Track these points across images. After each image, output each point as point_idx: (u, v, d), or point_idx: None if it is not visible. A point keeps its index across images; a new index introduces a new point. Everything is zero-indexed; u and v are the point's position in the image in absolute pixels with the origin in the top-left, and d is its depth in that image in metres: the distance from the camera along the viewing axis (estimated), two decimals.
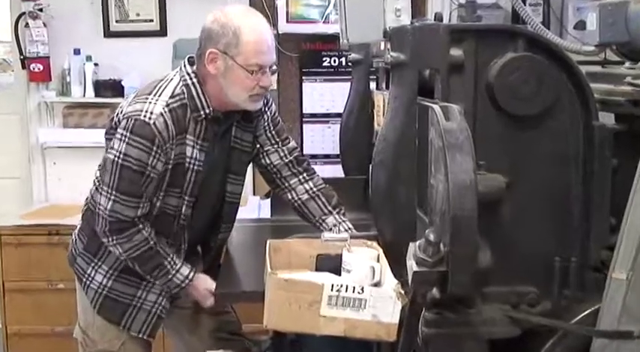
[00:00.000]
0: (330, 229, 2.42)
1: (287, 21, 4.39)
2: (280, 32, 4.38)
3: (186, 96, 2.20)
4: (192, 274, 2.29)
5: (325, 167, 4.46)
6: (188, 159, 2.21)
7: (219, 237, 2.46)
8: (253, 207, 3.89)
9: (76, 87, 4.23)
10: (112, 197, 2.15)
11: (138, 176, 2.14)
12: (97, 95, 4.21)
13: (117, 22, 4.29)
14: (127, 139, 2.13)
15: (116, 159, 2.14)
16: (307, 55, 4.43)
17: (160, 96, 2.19)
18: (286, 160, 2.52)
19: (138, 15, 4.28)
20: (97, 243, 2.30)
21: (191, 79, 2.22)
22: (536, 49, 1.65)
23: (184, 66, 2.26)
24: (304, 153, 4.53)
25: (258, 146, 2.48)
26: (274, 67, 2.23)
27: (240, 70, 2.16)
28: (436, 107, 1.51)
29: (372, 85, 3.16)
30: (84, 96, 4.23)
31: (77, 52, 4.21)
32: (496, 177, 1.60)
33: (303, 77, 4.46)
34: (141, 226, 2.20)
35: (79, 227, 2.46)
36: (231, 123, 2.34)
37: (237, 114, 2.33)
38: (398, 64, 1.72)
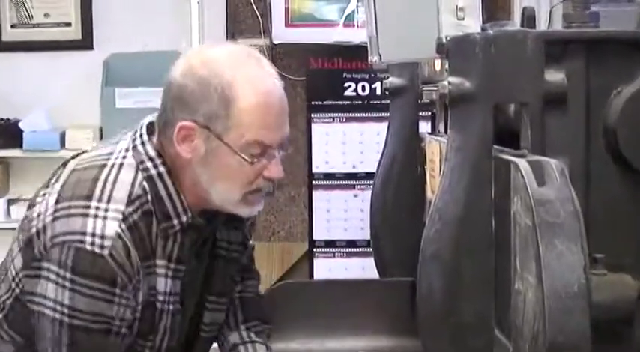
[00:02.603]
0: None
1: (287, 24, 4.48)
2: (275, 42, 4.46)
3: (149, 198, 2.17)
4: None
5: (350, 261, 4.48)
6: (161, 298, 2.21)
7: None
8: None
9: None
10: None
11: (99, 337, 2.13)
12: None
13: (14, 27, 4.39)
14: (68, 283, 2.10)
15: (58, 316, 2.12)
16: (319, 78, 4.50)
17: (109, 203, 2.15)
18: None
19: (47, 16, 4.37)
20: None
21: (156, 166, 2.19)
22: None
23: (142, 143, 2.22)
24: (314, 238, 4.60)
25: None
26: (286, 146, 2.21)
27: (231, 156, 2.13)
28: (522, 163, 1.53)
29: (424, 127, 3.20)
30: None
31: None
32: (623, 279, 1.60)
33: (313, 114, 4.52)
34: None
35: None
36: (214, 228, 2.35)
37: (223, 214, 2.33)
38: (461, 97, 1.75)
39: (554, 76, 1.67)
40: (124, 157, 2.21)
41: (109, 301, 2.10)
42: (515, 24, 1.82)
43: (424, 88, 2.93)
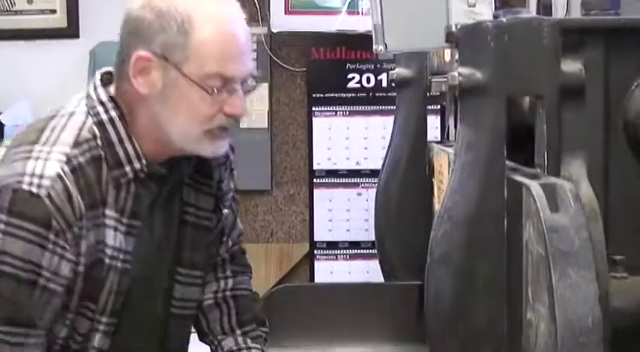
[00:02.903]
0: None
1: (286, 11, 4.48)
2: (274, 30, 4.46)
3: (99, 142, 2.18)
4: None
5: (353, 264, 4.49)
6: (109, 252, 2.19)
7: None
8: None
9: None
10: None
11: (24, 289, 2.10)
12: None
13: None
14: (2, 226, 2.09)
15: None
16: (321, 69, 4.50)
17: (53, 145, 2.17)
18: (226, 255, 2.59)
19: (30, 2, 4.38)
20: None
21: (107, 111, 2.21)
22: None
23: (94, 88, 2.25)
24: (315, 239, 4.60)
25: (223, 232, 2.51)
26: (251, 83, 2.23)
27: (191, 88, 2.13)
28: (535, 187, 1.53)
29: (432, 121, 3.20)
30: None
31: None
32: None
33: (314, 108, 4.53)
34: None
35: None
36: (178, 181, 2.34)
37: (187, 164, 2.33)
38: (472, 89, 1.75)
39: (572, 67, 1.67)
40: (76, 107, 2.23)
41: (41, 246, 2.07)
42: (531, 11, 1.81)
43: (433, 80, 2.93)
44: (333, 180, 4.54)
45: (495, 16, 1.94)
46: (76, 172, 2.12)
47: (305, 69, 4.53)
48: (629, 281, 1.58)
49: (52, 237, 2.08)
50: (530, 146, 1.74)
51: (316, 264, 4.60)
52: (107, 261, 2.18)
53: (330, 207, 4.55)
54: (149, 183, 2.21)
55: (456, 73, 1.77)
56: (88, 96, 2.22)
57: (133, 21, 2.17)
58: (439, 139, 3.14)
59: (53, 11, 4.34)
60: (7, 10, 4.33)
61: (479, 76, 1.73)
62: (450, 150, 2.43)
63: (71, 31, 4.31)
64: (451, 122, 2.70)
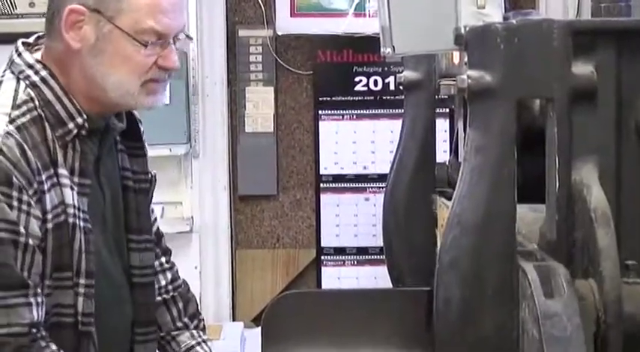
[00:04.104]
0: None
1: (292, 14, 4.49)
2: (280, 33, 4.47)
3: (37, 103, 2.18)
4: None
5: (361, 269, 4.49)
6: (71, 211, 2.19)
7: None
8: (232, 341, 3.90)
9: None
10: None
11: (7, 249, 2.09)
12: None
13: None
14: None
15: None
16: (327, 72, 4.51)
17: None
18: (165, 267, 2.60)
19: (32, 5, 4.38)
20: None
21: (37, 72, 2.21)
22: None
23: (18, 54, 2.25)
24: (322, 245, 4.61)
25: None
26: (183, 38, 2.26)
27: (124, 41, 2.16)
28: (530, 270, 1.54)
29: (440, 125, 3.20)
30: None
31: None
32: None
33: (321, 111, 4.53)
34: (53, 348, 2.14)
35: None
36: (114, 138, 2.35)
37: (118, 120, 2.33)
38: (481, 91, 1.75)
39: (583, 70, 1.67)
40: (2, 76, 2.23)
41: (8, 205, 2.08)
42: (541, 13, 1.82)
43: (441, 83, 2.93)
44: (340, 185, 4.54)
45: (505, 18, 1.95)
46: (22, 132, 2.13)
47: (311, 72, 4.53)
48: (638, 286, 1.59)
49: (15, 194, 2.08)
50: (542, 149, 1.74)
51: (323, 269, 4.61)
52: (71, 219, 2.18)
53: (337, 212, 4.55)
54: (90, 140, 2.22)
55: (465, 76, 1.78)
56: (12, 63, 2.23)
57: None
58: (448, 143, 3.14)
59: None
60: (9, 14, 4.34)
61: (488, 79, 1.73)
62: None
63: None
64: (460, 125, 2.70)
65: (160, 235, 2.62)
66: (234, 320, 4.38)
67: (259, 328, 3.04)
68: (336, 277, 4.57)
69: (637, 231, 1.64)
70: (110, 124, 2.29)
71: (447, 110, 3.16)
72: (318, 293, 4.05)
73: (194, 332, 2.55)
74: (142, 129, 2.44)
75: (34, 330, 2.11)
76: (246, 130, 4.53)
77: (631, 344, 1.39)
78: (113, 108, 2.25)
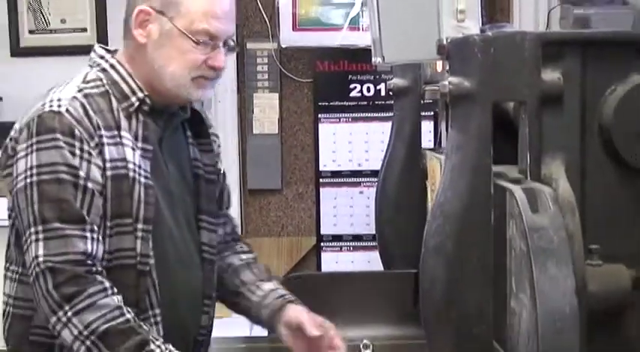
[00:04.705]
0: (266, 295, 2.51)
1: (294, 28, 4.48)
2: (283, 45, 4.46)
3: (105, 82, 2.30)
4: None
5: (356, 255, 4.48)
6: (131, 166, 2.25)
7: (202, 324, 2.45)
8: (243, 318, 3.88)
9: None
10: (41, 235, 2.14)
11: (67, 188, 2.16)
12: None
13: (31, 33, 4.39)
14: (34, 146, 2.18)
15: (28, 180, 2.17)
16: (325, 79, 4.49)
17: (66, 85, 2.29)
18: (228, 229, 2.66)
19: (63, 22, 4.38)
20: None
21: (107, 61, 2.35)
22: None
23: (94, 50, 2.40)
24: (322, 233, 4.60)
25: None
26: (231, 44, 2.35)
27: (181, 38, 2.27)
28: (517, 191, 1.52)
29: (426, 126, 3.19)
30: None
31: None
32: (617, 269, 1.59)
33: (320, 115, 4.52)
34: (107, 285, 2.15)
35: None
36: (177, 125, 2.43)
37: (182, 110, 2.42)
38: (461, 96, 1.74)
39: (551, 76, 1.67)
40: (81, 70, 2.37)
41: (71, 153, 2.17)
42: (514, 26, 1.81)
43: (426, 88, 2.93)
44: (337, 180, 4.53)
45: (482, 31, 1.94)
46: (88, 98, 2.26)
47: (311, 80, 4.52)
48: (602, 268, 1.58)
49: (77, 144, 2.18)
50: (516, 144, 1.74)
51: (323, 255, 4.60)
52: (130, 173, 2.25)
53: (334, 204, 4.54)
54: (153, 116, 2.32)
55: (446, 82, 1.77)
56: (90, 59, 2.39)
57: None
58: (432, 143, 3.14)
59: (84, 30, 4.34)
60: (44, 29, 4.33)
61: (467, 85, 1.72)
62: (441, 156, 2.43)
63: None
64: (443, 127, 2.69)
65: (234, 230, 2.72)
66: None
67: None
68: (334, 261, 4.56)
69: (599, 219, 1.64)
70: (174, 111, 2.39)
71: (432, 113, 3.15)
72: (318, 275, 4.05)
73: (276, 283, 2.60)
74: (208, 128, 2.54)
75: (89, 262, 2.15)
76: (254, 132, 4.52)
77: (594, 319, 1.39)
78: (170, 97, 2.33)
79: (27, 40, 4.36)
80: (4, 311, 2.37)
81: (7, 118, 4.33)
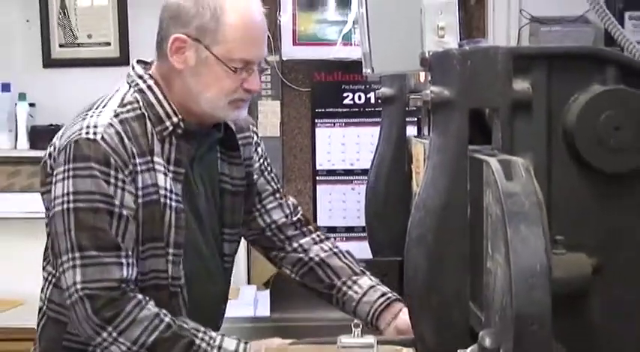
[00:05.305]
0: (365, 293, 2.44)
1: (294, 43, 4.48)
2: (285, 58, 4.46)
3: (141, 104, 2.18)
4: (241, 346, 2.18)
5: (348, 244, 4.44)
6: (163, 192, 2.15)
7: (219, 325, 2.40)
8: (247, 300, 3.88)
9: (4, 136, 4.30)
10: (78, 261, 2.05)
11: (102, 216, 2.06)
12: (32, 147, 4.28)
13: (61, 46, 4.39)
14: (71, 173, 2.06)
15: (65, 205, 2.06)
16: (322, 88, 4.50)
17: (103, 107, 2.17)
18: (293, 219, 2.53)
19: (90, 37, 4.38)
20: None
21: (145, 81, 2.20)
22: (633, 81, 1.66)
23: (132, 68, 2.26)
24: (318, 224, 4.59)
25: (255, 194, 2.47)
26: (263, 65, 2.23)
27: (218, 66, 2.14)
28: (493, 161, 1.52)
29: (410, 130, 3.19)
30: (15, 148, 4.30)
31: (6, 88, 4.30)
32: (579, 258, 1.59)
33: (317, 119, 4.52)
34: (140, 297, 2.09)
35: None
36: (210, 143, 2.31)
37: (216, 129, 2.30)
38: (441, 103, 1.74)
39: (521, 86, 1.66)
40: (119, 87, 2.25)
41: (106, 181, 2.06)
42: (489, 41, 1.81)
43: (411, 97, 2.92)
44: (332, 178, 4.54)
45: (460, 46, 1.94)
46: (124, 124, 2.13)
47: (309, 89, 4.53)
48: (566, 256, 1.58)
49: (112, 172, 2.07)
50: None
51: None
52: (162, 200, 2.15)
53: (329, 199, 4.55)
54: (187, 139, 2.19)
55: (428, 91, 1.77)
56: (128, 75, 2.25)
57: (172, 8, 2.16)
58: None
59: (108, 43, 4.35)
60: (72, 43, 4.34)
61: (447, 93, 1.72)
62: (425, 141, 2.42)
63: (122, 59, 4.32)
64: (425, 131, 2.69)
65: (300, 221, 2.62)
66: (249, 283, 4.37)
67: (268, 290, 3.04)
68: None
69: (563, 213, 1.64)
70: (209, 131, 2.26)
71: (416, 119, 3.14)
72: None
73: (372, 277, 2.57)
74: (239, 141, 2.39)
75: (124, 285, 2.07)
76: (259, 135, 4.52)
77: (557, 302, 1.38)
78: (205, 118, 2.22)
79: (57, 52, 4.37)
80: (40, 308, 2.30)
81: (39, 122, 4.33)
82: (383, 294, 2.47)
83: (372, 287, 2.45)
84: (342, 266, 2.50)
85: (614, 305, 1.63)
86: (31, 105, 4.27)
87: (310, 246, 2.52)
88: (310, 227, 2.56)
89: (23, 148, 4.24)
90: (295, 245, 2.51)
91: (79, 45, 4.38)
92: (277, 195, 2.52)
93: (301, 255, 2.50)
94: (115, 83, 4.16)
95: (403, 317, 2.37)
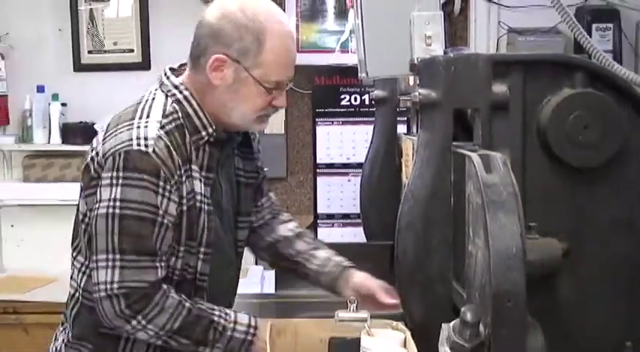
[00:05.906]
0: (321, 264, 2.40)
1: (297, 50, 4.43)
2: None
3: (180, 115, 2.11)
4: (253, 320, 2.16)
5: (345, 230, 4.47)
6: (199, 198, 2.11)
7: (231, 303, 2.39)
8: (255, 279, 3.88)
9: (39, 132, 4.28)
10: (118, 263, 2.01)
11: (146, 225, 2.02)
12: (64, 142, 4.26)
13: (90, 53, 4.37)
14: (120, 181, 2.01)
15: (110, 210, 2.01)
16: (321, 91, 4.47)
17: (148, 117, 2.09)
18: (270, 200, 2.54)
19: (115, 44, 4.36)
20: (112, 346, 2.15)
21: (181, 92, 2.13)
22: (599, 85, 1.67)
23: (167, 77, 2.18)
24: (318, 212, 4.59)
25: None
26: (291, 81, 2.18)
27: (254, 86, 2.08)
28: (474, 156, 1.51)
29: (401, 128, 3.19)
30: (49, 143, 4.28)
31: (41, 89, 4.28)
32: (551, 242, 1.59)
33: (317, 118, 4.50)
34: (165, 288, 2.06)
35: (67, 338, 2.24)
36: (232, 147, 2.28)
37: (237, 135, 2.26)
38: (428, 104, 1.74)
39: (500, 88, 1.66)
40: (154, 94, 2.15)
41: (154, 192, 2.00)
42: (469, 50, 1.81)
43: (401, 98, 2.92)
44: (331, 171, 4.52)
45: (445, 53, 1.93)
46: (169, 135, 2.03)
47: (310, 91, 4.50)
48: (539, 241, 1.59)
49: (161, 183, 2.00)
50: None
51: (319, 230, 4.58)
52: (198, 205, 2.10)
53: (328, 189, 4.53)
54: (216, 145, 2.14)
55: (417, 93, 1.77)
56: (162, 84, 2.14)
57: (212, 28, 2.08)
58: None
59: (131, 50, 4.32)
60: (99, 50, 4.33)
61: (434, 95, 1.72)
62: (414, 138, 2.42)
63: (144, 64, 4.30)
64: (414, 129, 2.69)
65: (273, 203, 2.60)
66: (256, 264, 4.36)
67: (274, 270, 3.03)
68: (328, 235, 4.53)
69: (536, 202, 1.64)
70: (231, 136, 2.22)
71: (405, 118, 3.14)
72: None
73: (328, 250, 2.48)
74: (253, 139, 2.35)
75: (157, 285, 2.04)
76: (265, 132, 4.51)
77: (531, 281, 1.38)
78: (232, 128, 2.17)
79: (86, 58, 4.35)
80: (73, 295, 2.24)
81: (70, 120, 4.33)
82: (338, 263, 2.46)
83: (328, 259, 2.44)
84: (302, 244, 2.48)
85: (582, 284, 1.63)
86: (63, 104, 4.26)
87: (278, 224, 2.52)
88: (279, 208, 2.57)
89: (56, 143, 4.23)
90: (265, 227, 2.52)
91: (105, 51, 4.36)
92: (262, 176, 2.54)
93: (268, 235, 2.50)
94: (137, 85, 4.20)
95: (357, 278, 2.38)
